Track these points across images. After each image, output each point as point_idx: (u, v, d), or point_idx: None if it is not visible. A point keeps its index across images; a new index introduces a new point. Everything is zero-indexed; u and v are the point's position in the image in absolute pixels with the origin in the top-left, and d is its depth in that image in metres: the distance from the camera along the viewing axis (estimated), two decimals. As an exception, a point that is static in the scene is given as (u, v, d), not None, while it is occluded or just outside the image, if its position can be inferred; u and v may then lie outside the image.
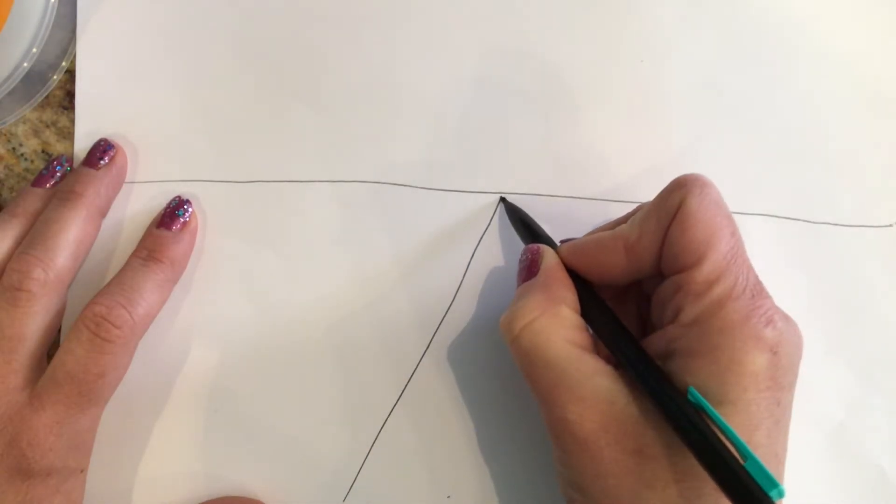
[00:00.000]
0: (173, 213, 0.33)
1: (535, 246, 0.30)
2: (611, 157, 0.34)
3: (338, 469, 0.33)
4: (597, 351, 0.27)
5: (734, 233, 0.26)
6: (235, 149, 0.34)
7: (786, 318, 0.25)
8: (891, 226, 0.34)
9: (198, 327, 0.33)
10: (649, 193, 0.33)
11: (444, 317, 0.33)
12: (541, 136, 0.34)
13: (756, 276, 0.26)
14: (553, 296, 0.28)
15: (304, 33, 0.34)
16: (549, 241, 0.31)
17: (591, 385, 0.25)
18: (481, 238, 0.34)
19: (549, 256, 0.29)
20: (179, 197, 0.33)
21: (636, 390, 0.25)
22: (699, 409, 0.23)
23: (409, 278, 0.34)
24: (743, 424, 0.23)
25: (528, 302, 0.27)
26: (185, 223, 0.33)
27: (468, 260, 0.34)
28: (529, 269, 0.29)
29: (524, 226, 0.32)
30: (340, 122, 0.34)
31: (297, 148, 0.34)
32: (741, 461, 0.22)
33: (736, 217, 0.33)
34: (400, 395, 0.33)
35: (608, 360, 0.26)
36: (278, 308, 0.33)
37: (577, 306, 0.28)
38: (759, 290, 0.25)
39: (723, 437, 0.23)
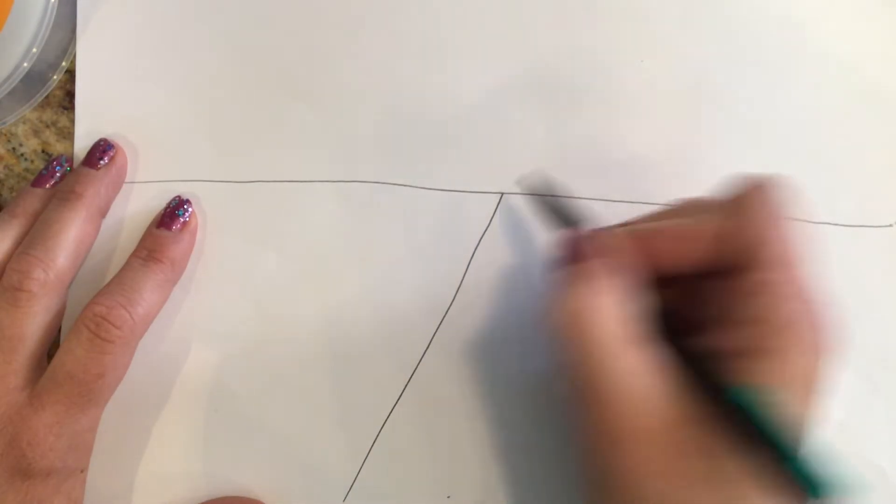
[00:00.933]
0: (173, 213, 0.33)
1: (582, 229, 0.28)
2: (611, 157, 0.34)
3: (338, 469, 0.33)
4: (643, 344, 0.26)
5: (803, 239, 0.26)
6: (235, 149, 0.34)
7: (834, 322, 0.25)
8: (891, 226, 0.34)
9: (198, 327, 0.33)
10: (649, 193, 0.34)
11: (444, 317, 0.33)
12: (541, 136, 0.34)
13: (814, 285, 0.25)
14: (602, 284, 0.26)
15: (303, 33, 0.34)
16: (584, 224, 0.29)
17: (637, 382, 0.25)
18: (481, 238, 0.34)
19: (600, 240, 0.28)
20: (179, 197, 0.33)
21: (682, 388, 0.25)
22: (747, 407, 0.23)
23: (409, 278, 0.34)
24: None
25: (576, 290, 0.26)
26: (184, 223, 0.33)
27: (468, 260, 0.34)
28: (575, 254, 0.27)
29: (554, 209, 0.30)
30: (340, 121, 0.34)
31: (297, 148, 0.34)
32: (792, 456, 0.22)
33: None
34: (400, 395, 0.33)
35: (654, 356, 0.26)
36: (278, 308, 0.33)
37: (628, 296, 0.26)
38: (816, 297, 0.25)
39: (773, 436, 0.22)
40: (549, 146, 0.34)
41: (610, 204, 0.34)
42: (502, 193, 0.34)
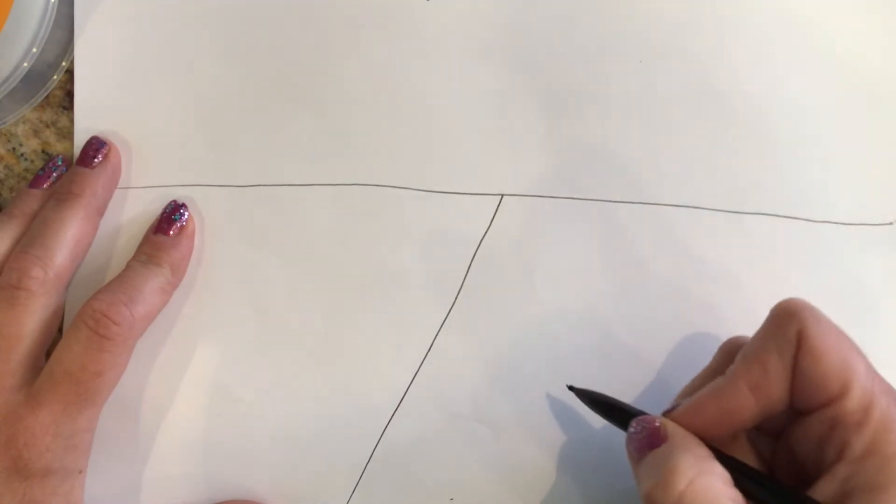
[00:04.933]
0: (169, 218, 0.33)
1: (648, 417, 0.28)
2: (611, 157, 0.34)
3: (340, 472, 0.33)
4: None
5: (860, 349, 0.25)
6: (235, 152, 0.34)
7: None
8: (891, 224, 0.34)
9: (199, 331, 0.33)
10: (649, 193, 0.34)
11: (446, 319, 0.33)
12: (541, 137, 0.34)
13: (890, 384, 0.25)
14: (700, 454, 0.25)
15: (302, 36, 0.34)
16: (643, 413, 0.29)
17: None
18: (482, 240, 0.34)
19: (669, 423, 0.27)
20: (175, 201, 0.33)
21: None
22: None
23: (410, 281, 0.33)
24: None
25: (679, 464, 0.24)
26: (181, 227, 0.33)
27: (469, 262, 0.34)
28: (650, 440, 0.26)
29: (608, 406, 0.30)
30: (340, 124, 0.34)
31: (296, 151, 0.34)
32: None
33: (736, 217, 0.34)
34: (402, 398, 0.33)
35: None
36: (278, 311, 0.33)
37: (718, 467, 0.25)
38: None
39: None
40: (549, 146, 0.34)
41: (610, 204, 0.34)
42: (502, 195, 0.34)
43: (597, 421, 0.32)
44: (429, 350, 0.33)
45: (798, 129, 0.35)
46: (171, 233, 0.32)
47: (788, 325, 0.25)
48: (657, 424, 0.27)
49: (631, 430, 0.27)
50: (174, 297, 0.33)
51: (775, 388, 0.25)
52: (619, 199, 0.34)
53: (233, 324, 0.33)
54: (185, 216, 0.33)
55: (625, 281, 0.34)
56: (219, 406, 0.33)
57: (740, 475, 0.25)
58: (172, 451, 0.32)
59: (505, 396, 0.33)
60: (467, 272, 0.34)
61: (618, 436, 0.32)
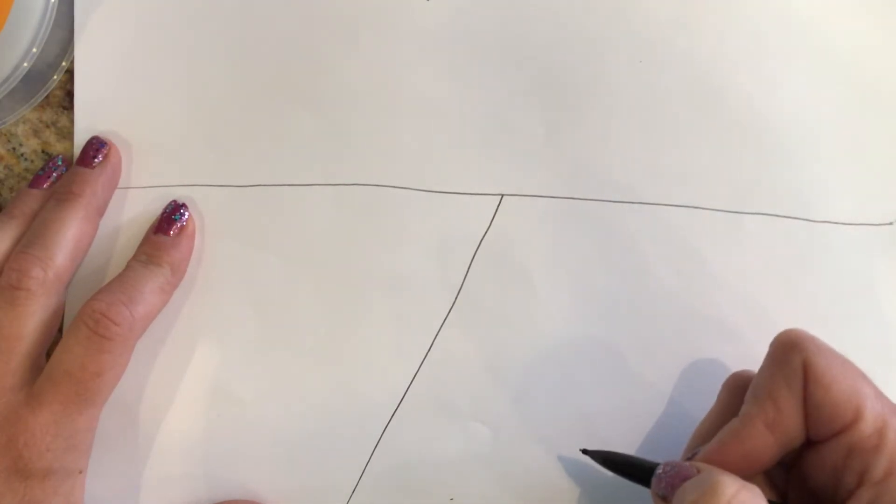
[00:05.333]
0: (169, 218, 0.33)
1: (673, 462, 0.27)
2: (611, 157, 0.34)
3: (340, 472, 0.33)
4: None
5: (866, 375, 0.25)
6: (235, 152, 0.34)
7: None
8: (891, 224, 0.34)
9: (199, 330, 0.33)
10: (649, 194, 0.34)
11: (446, 319, 0.33)
12: (541, 137, 0.34)
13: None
14: (737, 475, 0.24)
15: (303, 35, 0.34)
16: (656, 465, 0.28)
17: None
18: (482, 240, 0.34)
19: (699, 462, 0.26)
20: (175, 201, 0.33)
21: None
22: None
23: (410, 281, 0.33)
24: None
25: (723, 478, 0.24)
26: (182, 227, 0.33)
27: (469, 262, 0.34)
28: (682, 474, 0.25)
29: (627, 464, 0.30)
30: (340, 124, 0.34)
31: (296, 151, 0.34)
32: None
33: (736, 217, 0.34)
34: (402, 398, 0.33)
35: None
36: (279, 311, 0.33)
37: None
38: None
39: None
40: (549, 146, 0.34)
41: (610, 205, 0.34)
42: (502, 195, 0.34)
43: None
44: (429, 350, 0.33)
45: (798, 129, 0.35)
46: (172, 233, 0.32)
47: (793, 358, 0.25)
48: (687, 463, 0.26)
49: (659, 471, 0.27)
50: (174, 297, 0.33)
51: (791, 423, 0.26)
52: (619, 200, 0.34)
53: (233, 324, 0.33)
54: (186, 216, 0.33)
55: (624, 280, 0.34)
56: (219, 406, 0.33)
57: None
58: (172, 451, 0.32)
59: (505, 396, 0.33)
60: (467, 272, 0.34)
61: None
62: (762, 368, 0.27)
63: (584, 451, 0.31)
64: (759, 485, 0.27)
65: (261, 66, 0.34)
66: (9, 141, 0.34)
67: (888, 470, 0.24)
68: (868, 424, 0.24)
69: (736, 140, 0.34)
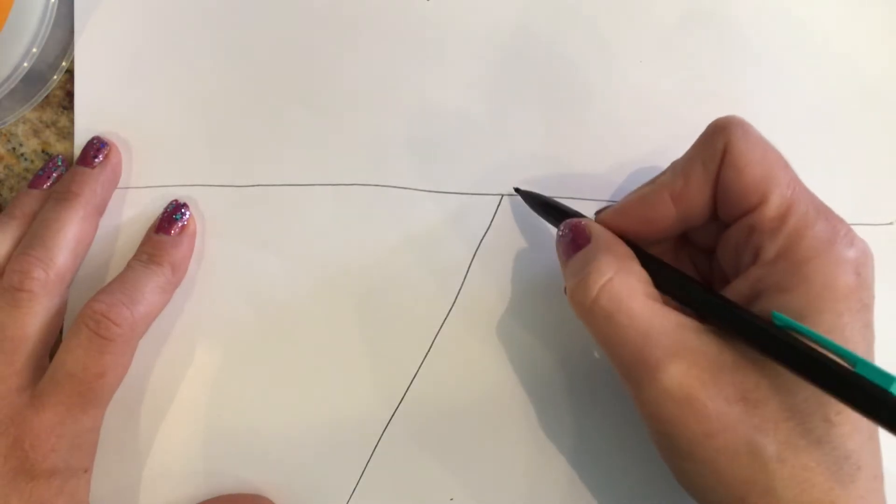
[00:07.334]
0: (171, 218, 0.33)
1: (575, 219, 0.29)
2: (611, 157, 0.34)
3: (341, 471, 0.33)
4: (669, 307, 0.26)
5: (787, 163, 0.26)
6: (235, 152, 0.34)
7: (858, 235, 0.25)
8: (891, 224, 0.34)
9: (200, 330, 0.33)
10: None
11: (446, 318, 0.33)
12: (541, 137, 0.34)
13: (820, 200, 0.26)
14: (620, 254, 0.26)
15: (302, 36, 0.34)
16: (579, 216, 0.30)
17: (682, 339, 0.24)
18: (482, 239, 0.34)
19: (594, 225, 0.28)
20: (176, 201, 0.33)
21: (724, 337, 0.25)
22: (792, 332, 0.23)
23: (410, 281, 0.34)
24: None
25: (599, 264, 0.26)
26: (182, 227, 0.33)
27: (469, 261, 0.34)
28: (576, 241, 0.28)
29: (550, 207, 0.31)
30: (340, 125, 0.34)
31: (296, 151, 0.34)
32: (851, 368, 0.21)
33: None
34: (402, 398, 0.33)
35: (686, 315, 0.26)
36: (279, 311, 0.33)
37: (637, 266, 0.27)
38: (829, 213, 0.25)
39: (824, 351, 0.22)
40: (549, 146, 0.34)
41: (610, 205, 0.34)
42: (502, 195, 0.34)
43: (597, 420, 0.33)
44: (429, 350, 0.33)
45: (797, 128, 0.35)
46: (173, 232, 0.32)
47: (716, 140, 0.26)
48: (582, 224, 0.28)
49: (559, 232, 0.29)
50: (175, 297, 0.33)
51: (696, 199, 0.26)
52: (619, 200, 0.34)
53: (233, 324, 0.33)
54: (187, 216, 0.33)
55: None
56: (219, 406, 0.33)
57: (660, 276, 0.27)
58: (173, 451, 0.33)
59: (505, 396, 0.33)
60: (467, 272, 0.34)
61: (619, 436, 0.33)
62: (689, 148, 0.27)
63: (517, 190, 0.33)
64: (684, 267, 0.29)
65: (261, 66, 0.34)
66: (9, 141, 0.34)
67: (780, 252, 0.25)
68: (771, 208, 0.25)
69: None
